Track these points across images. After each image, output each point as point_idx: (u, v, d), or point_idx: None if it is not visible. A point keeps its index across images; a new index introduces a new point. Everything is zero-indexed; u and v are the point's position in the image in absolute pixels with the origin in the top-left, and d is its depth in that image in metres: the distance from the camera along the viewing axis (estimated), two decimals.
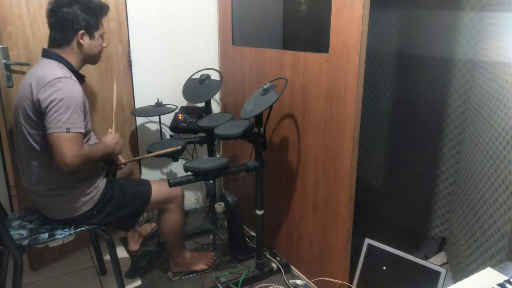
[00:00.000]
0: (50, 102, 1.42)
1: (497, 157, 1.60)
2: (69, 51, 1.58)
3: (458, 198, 2.11)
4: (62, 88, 1.44)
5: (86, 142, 1.61)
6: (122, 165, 1.83)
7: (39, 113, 1.45)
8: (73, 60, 1.59)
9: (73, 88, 1.48)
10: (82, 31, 1.56)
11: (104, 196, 1.70)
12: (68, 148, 1.42)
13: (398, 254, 1.80)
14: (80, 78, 1.62)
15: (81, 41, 1.57)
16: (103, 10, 1.63)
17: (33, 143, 1.53)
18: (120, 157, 1.80)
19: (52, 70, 1.48)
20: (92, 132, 1.70)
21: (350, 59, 1.57)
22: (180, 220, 1.95)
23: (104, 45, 1.69)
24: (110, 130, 1.81)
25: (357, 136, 1.63)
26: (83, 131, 1.48)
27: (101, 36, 1.65)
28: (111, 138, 1.72)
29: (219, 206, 2.12)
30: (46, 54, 1.57)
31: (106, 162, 1.79)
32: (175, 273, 2.08)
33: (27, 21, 1.90)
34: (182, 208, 1.96)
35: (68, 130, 1.42)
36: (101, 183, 1.71)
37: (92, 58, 1.67)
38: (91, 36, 1.60)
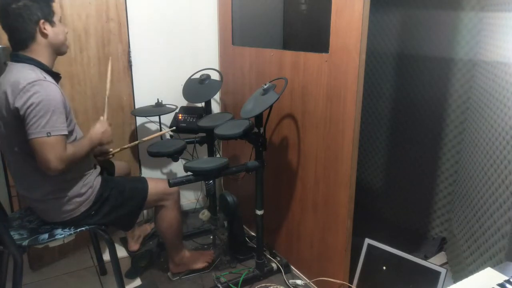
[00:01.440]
0: (28, 108, 1.37)
1: (497, 157, 1.60)
2: (36, 48, 1.49)
3: (458, 198, 2.11)
4: (37, 91, 1.39)
5: (73, 141, 1.57)
6: (111, 155, 1.81)
7: (20, 120, 1.41)
8: (44, 57, 1.52)
9: (49, 90, 1.42)
10: (41, 21, 1.47)
11: (100, 195, 1.69)
12: (51, 153, 1.39)
13: (398, 254, 1.80)
14: (56, 77, 1.56)
15: (44, 31, 1.48)
16: None
17: (19, 151, 1.49)
18: (110, 148, 1.75)
19: (25, 74, 1.42)
20: (77, 128, 1.65)
21: (350, 59, 1.57)
22: (178, 217, 1.95)
23: (65, 30, 1.58)
24: (101, 118, 1.76)
25: (357, 136, 1.63)
26: (65, 132, 1.44)
27: (60, 21, 1.56)
28: (98, 127, 1.67)
29: (203, 215, 2.13)
30: (15, 58, 1.49)
31: (97, 155, 1.77)
32: (174, 273, 2.08)
33: None
34: (179, 204, 1.95)
35: (48, 134, 1.38)
36: (96, 182, 1.70)
37: (60, 47, 1.57)
38: (51, 23, 1.51)
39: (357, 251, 1.87)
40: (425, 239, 2.41)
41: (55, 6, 1.54)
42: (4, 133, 1.51)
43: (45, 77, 1.45)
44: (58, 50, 1.58)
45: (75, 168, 1.60)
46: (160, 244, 2.31)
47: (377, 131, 2.67)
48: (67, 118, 1.49)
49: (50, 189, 1.57)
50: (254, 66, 2.26)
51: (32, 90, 1.39)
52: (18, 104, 1.38)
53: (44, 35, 1.50)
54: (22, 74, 1.43)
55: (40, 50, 1.51)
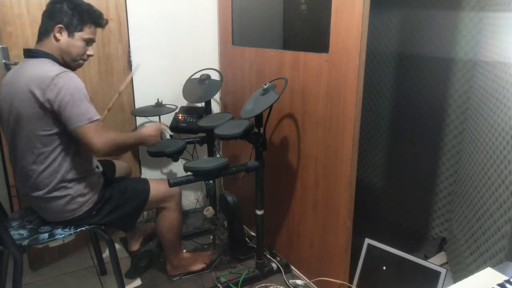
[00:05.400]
0: (62, 99, 1.43)
1: (497, 157, 1.60)
2: (48, 44, 1.56)
3: (458, 198, 2.11)
4: (67, 82, 1.46)
5: None
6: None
7: (52, 112, 1.46)
8: (54, 54, 1.56)
9: (75, 80, 1.50)
10: (60, 25, 1.53)
11: (102, 195, 1.70)
12: (96, 137, 1.48)
13: (398, 254, 1.80)
14: None
15: (57, 34, 1.54)
16: (91, 16, 1.60)
17: (39, 145, 1.51)
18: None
19: (47, 68, 1.48)
20: None
21: (350, 59, 1.57)
22: (179, 219, 1.95)
23: (88, 52, 1.63)
24: (159, 123, 1.84)
25: (357, 136, 1.63)
26: (99, 116, 1.52)
27: (85, 40, 1.59)
28: (151, 129, 1.76)
29: (207, 212, 2.13)
30: (29, 53, 1.55)
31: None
32: (172, 275, 2.08)
33: (27, 21, 1.90)
34: (180, 206, 1.96)
35: (90, 119, 1.47)
36: (98, 182, 1.71)
37: (69, 59, 1.60)
38: (70, 34, 1.56)
39: (357, 251, 1.87)
40: (425, 239, 2.41)
41: (89, 29, 1.60)
42: (19, 130, 1.52)
43: (66, 69, 1.52)
44: (65, 60, 1.60)
45: (77, 167, 1.60)
46: (160, 244, 2.31)
47: (377, 131, 2.67)
48: None
49: (52, 188, 1.57)
50: (254, 66, 2.26)
51: (61, 82, 1.45)
52: (50, 96, 1.43)
53: (56, 39, 1.56)
54: (44, 68, 1.48)
55: (50, 47, 1.57)
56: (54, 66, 1.50)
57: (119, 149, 1.66)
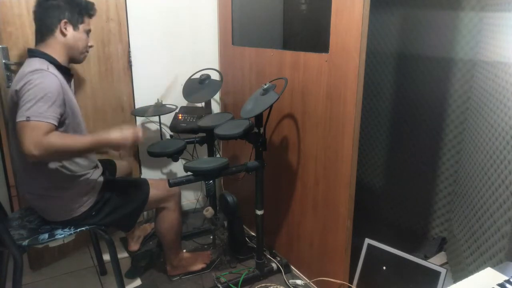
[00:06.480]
0: (20, 92, 1.40)
1: (497, 157, 1.60)
2: (52, 43, 1.56)
3: (458, 198, 2.11)
4: (33, 79, 1.42)
5: None
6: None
7: (16, 104, 1.43)
8: (57, 53, 1.57)
9: (45, 79, 1.44)
10: (65, 20, 1.56)
11: (102, 196, 1.70)
12: (27, 137, 1.34)
13: (398, 254, 1.80)
14: (66, 73, 1.59)
15: (64, 30, 1.56)
16: (87, 6, 1.63)
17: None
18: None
19: (32, 65, 1.47)
20: (81, 125, 1.64)
21: (350, 59, 1.57)
22: (178, 218, 1.95)
23: (89, 44, 1.67)
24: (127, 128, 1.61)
25: (357, 136, 1.63)
26: (50, 121, 1.38)
27: (86, 32, 1.64)
28: (115, 132, 1.52)
29: (207, 212, 2.13)
30: (30, 53, 1.56)
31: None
32: (172, 275, 2.08)
33: (27, 21, 1.90)
34: (180, 206, 1.96)
35: (28, 118, 1.35)
36: (98, 182, 1.70)
37: (76, 53, 1.63)
38: (75, 27, 1.59)
39: (357, 251, 1.87)
40: (425, 239, 2.41)
41: (88, 20, 1.65)
42: (13, 128, 1.52)
43: (48, 68, 1.49)
44: (73, 55, 1.63)
45: (77, 167, 1.60)
46: (160, 244, 2.31)
47: (377, 131, 2.67)
48: (63, 111, 1.47)
49: (52, 185, 1.58)
50: (254, 66, 2.26)
51: (30, 77, 1.42)
52: (17, 87, 1.42)
53: (63, 34, 1.57)
54: (30, 65, 1.48)
55: (55, 46, 1.57)
56: (39, 64, 1.47)
57: (63, 155, 1.51)
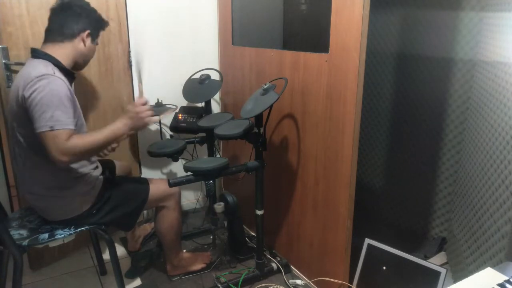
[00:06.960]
0: (32, 100, 1.41)
1: (497, 157, 1.60)
2: (67, 46, 1.58)
3: (458, 198, 2.11)
4: (43, 85, 1.42)
5: None
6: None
7: (25, 109, 1.45)
8: (63, 56, 1.58)
9: (54, 84, 1.45)
10: (88, 31, 1.62)
11: (102, 195, 1.70)
12: (53, 146, 1.40)
13: (398, 254, 1.80)
14: (69, 75, 1.60)
15: (85, 40, 1.62)
16: (104, 24, 1.73)
17: (25, 143, 1.53)
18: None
19: (37, 68, 1.47)
20: (84, 126, 1.68)
21: (350, 59, 1.57)
22: (178, 218, 1.95)
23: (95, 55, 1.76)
24: (129, 107, 1.66)
25: (357, 136, 1.63)
26: (70, 126, 1.44)
27: (96, 44, 1.72)
28: (124, 117, 1.60)
29: (219, 206, 2.12)
30: (34, 54, 1.56)
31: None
32: (172, 275, 2.08)
33: (27, 21, 1.90)
34: (180, 205, 1.96)
35: (52, 128, 1.40)
36: (98, 181, 1.71)
37: (84, 62, 1.70)
38: (93, 41, 1.67)
39: (357, 251, 1.87)
40: (425, 239, 2.41)
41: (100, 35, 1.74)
42: (14, 127, 1.54)
43: (54, 72, 1.49)
44: (80, 62, 1.68)
45: (77, 167, 1.60)
46: (160, 244, 2.31)
47: (377, 131, 2.67)
48: (74, 114, 1.52)
49: (50, 185, 1.58)
50: (254, 66, 2.26)
51: (38, 83, 1.43)
52: (26, 93, 1.43)
53: (84, 43, 1.63)
54: (35, 68, 1.48)
55: (67, 50, 1.60)
56: (43, 68, 1.48)
57: (89, 154, 1.61)
